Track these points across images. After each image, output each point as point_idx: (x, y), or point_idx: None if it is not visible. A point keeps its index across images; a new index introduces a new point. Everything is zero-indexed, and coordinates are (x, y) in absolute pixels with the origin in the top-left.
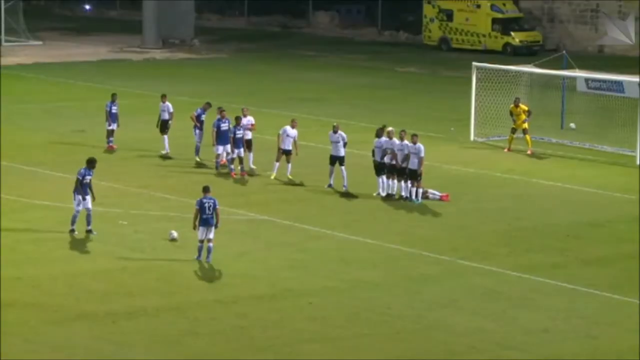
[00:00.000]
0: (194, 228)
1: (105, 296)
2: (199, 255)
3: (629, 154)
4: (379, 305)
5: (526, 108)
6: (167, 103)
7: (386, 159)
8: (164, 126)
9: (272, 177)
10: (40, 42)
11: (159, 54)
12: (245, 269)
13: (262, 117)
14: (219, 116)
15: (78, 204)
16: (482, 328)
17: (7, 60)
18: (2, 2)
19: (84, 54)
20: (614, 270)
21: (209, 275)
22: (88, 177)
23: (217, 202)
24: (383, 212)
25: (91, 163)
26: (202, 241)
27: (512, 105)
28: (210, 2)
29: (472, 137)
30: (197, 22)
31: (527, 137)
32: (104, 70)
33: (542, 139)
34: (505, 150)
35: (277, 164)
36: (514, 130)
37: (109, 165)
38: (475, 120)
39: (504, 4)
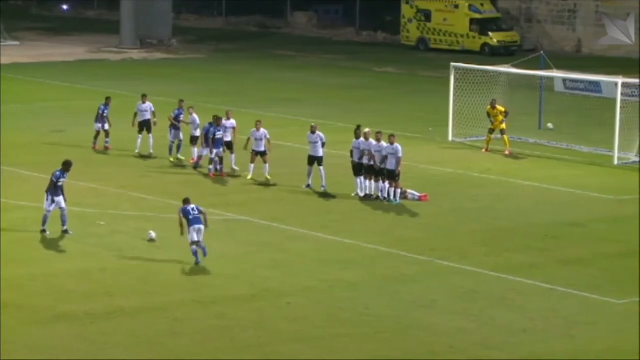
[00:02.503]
0: (182, 234)
1: (84, 296)
2: (197, 259)
3: (607, 154)
4: (358, 305)
5: (503, 109)
6: (149, 103)
7: (365, 160)
8: (146, 126)
9: (248, 177)
10: (18, 43)
11: (136, 54)
12: (225, 269)
13: (240, 117)
14: (213, 123)
15: (49, 205)
16: (461, 328)
17: None
18: None
19: (62, 54)
20: (593, 270)
21: (188, 275)
22: (62, 180)
23: (199, 208)
24: (362, 212)
25: (66, 166)
26: (194, 243)
27: (488, 107)
28: (188, 2)
29: (450, 138)
30: (175, 22)
31: (505, 137)
32: (81, 70)
33: (520, 139)
34: (483, 150)
35: (252, 165)
36: (491, 131)
37: (87, 166)
38: (453, 120)
39: (482, 5)
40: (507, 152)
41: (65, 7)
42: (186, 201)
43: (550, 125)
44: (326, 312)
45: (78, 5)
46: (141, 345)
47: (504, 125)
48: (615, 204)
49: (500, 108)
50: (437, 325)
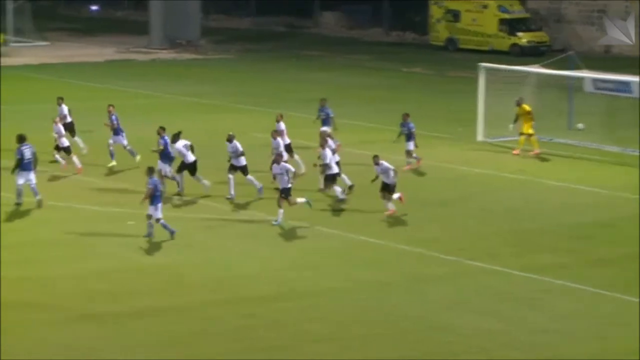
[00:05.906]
0: (141, 203)
1: (112, 296)
2: (149, 232)
3: (637, 154)
4: (385, 305)
5: (529, 108)
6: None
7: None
8: None
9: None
10: (47, 43)
11: (165, 55)
12: (250, 269)
13: (267, 118)
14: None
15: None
16: (489, 329)
17: (14, 61)
18: (11, 2)
19: (90, 54)
20: (622, 270)
21: (215, 275)
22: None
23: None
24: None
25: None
26: (149, 217)
27: (515, 107)
28: (217, 2)
29: (479, 138)
30: (204, 22)
31: (533, 139)
32: (110, 71)
33: (550, 139)
34: (514, 152)
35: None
36: (522, 134)
37: (118, 166)
38: (482, 120)
39: (511, 5)
40: (535, 152)
41: (94, 7)
42: (150, 171)
43: (580, 125)
44: (353, 313)
45: (107, 6)
46: (168, 346)
47: (531, 130)
48: None
49: (526, 107)
50: (465, 326)
